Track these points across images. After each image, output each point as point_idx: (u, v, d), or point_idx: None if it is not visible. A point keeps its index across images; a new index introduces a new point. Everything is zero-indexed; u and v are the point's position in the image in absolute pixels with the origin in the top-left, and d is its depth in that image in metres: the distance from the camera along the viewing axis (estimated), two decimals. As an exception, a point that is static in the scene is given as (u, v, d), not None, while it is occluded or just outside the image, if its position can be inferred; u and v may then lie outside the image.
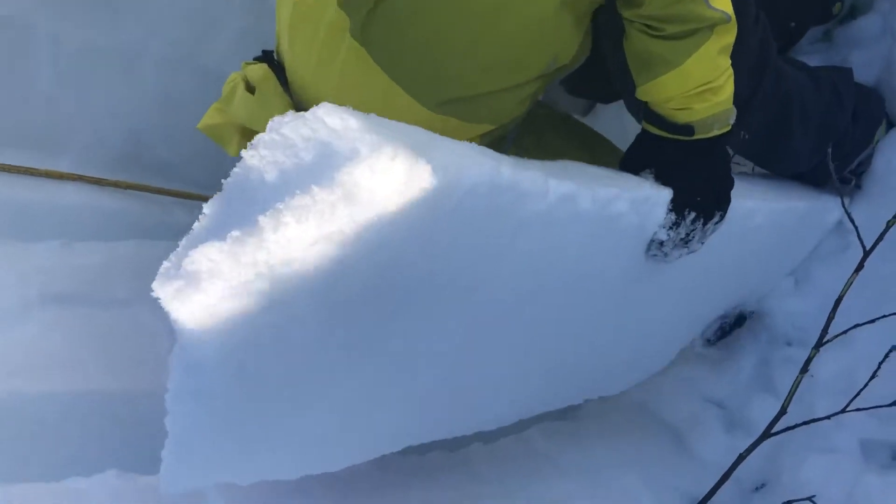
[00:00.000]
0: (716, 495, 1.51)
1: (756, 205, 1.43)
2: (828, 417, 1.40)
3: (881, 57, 1.71)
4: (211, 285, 0.81)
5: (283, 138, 0.85)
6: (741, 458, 1.46)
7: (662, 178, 1.20)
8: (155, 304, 1.51)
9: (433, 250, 0.95)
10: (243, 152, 0.87)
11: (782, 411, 1.43)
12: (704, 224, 1.21)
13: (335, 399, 1.02)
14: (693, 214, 1.20)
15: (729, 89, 1.16)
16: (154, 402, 1.36)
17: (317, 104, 0.87)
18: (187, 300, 0.81)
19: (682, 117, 1.16)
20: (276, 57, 1.26)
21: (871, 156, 1.66)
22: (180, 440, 0.93)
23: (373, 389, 1.06)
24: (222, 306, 0.82)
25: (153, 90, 1.77)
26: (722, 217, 1.23)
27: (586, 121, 1.90)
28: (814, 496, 1.36)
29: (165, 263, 0.87)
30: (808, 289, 1.68)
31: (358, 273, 0.89)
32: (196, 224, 0.90)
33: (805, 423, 1.42)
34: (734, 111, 1.19)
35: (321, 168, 0.84)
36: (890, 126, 1.68)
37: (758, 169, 1.65)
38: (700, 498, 1.53)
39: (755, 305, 1.73)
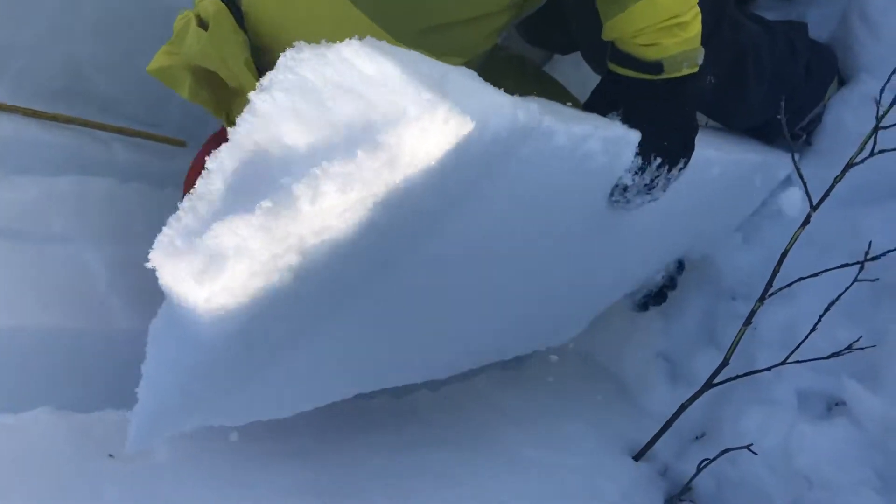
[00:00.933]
0: (657, 444, 1.54)
1: (714, 155, 1.41)
2: (768, 369, 1.43)
3: (836, 14, 1.72)
4: (238, 264, 0.73)
5: (301, 80, 0.75)
6: (682, 407, 1.48)
7: (629, 121, 1.16)
8: (94, 241, 1.47)
9: (453, 200, 0.89)
10: (252, 94, 0.77)
11: (724, 362, 1.45)
12: (669, 170, 1.19)
13: (319, 344, 0.98)
14: (659, 160, 1.17)
15: (696, 27, 1.14)
16: (91, 340, 1.34)
17: (278, 41, 0.81)
18: (209, 282, 0.73)
19: (650, 54, 1.13)
20: None
21: (821, 113, 1.67)
22: (157, 398, 0.88)
23: (354, 334, 1.02)
24: (245, 285, 0.74)
25: (92, 15, 1.68)
26: (686, 164, 1.21)
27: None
28: (751, 444, 1.40)
29: (166, 231, 0.77)
30: (755, 243, 1.70)
31: (390, 236, 0.83)
32: (201, 182, 0.78)
33: (746, 374, 1.45)
34: (702, 51, 1.17)
35: (361, 127, 0.73)
36: (841, 84, 1.69)
37: (711, 123, 1.66)
38: (641, 446, 1.57)
39: (698, 256, 1.73)
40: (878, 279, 1.43)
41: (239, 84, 1.14)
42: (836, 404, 1.52)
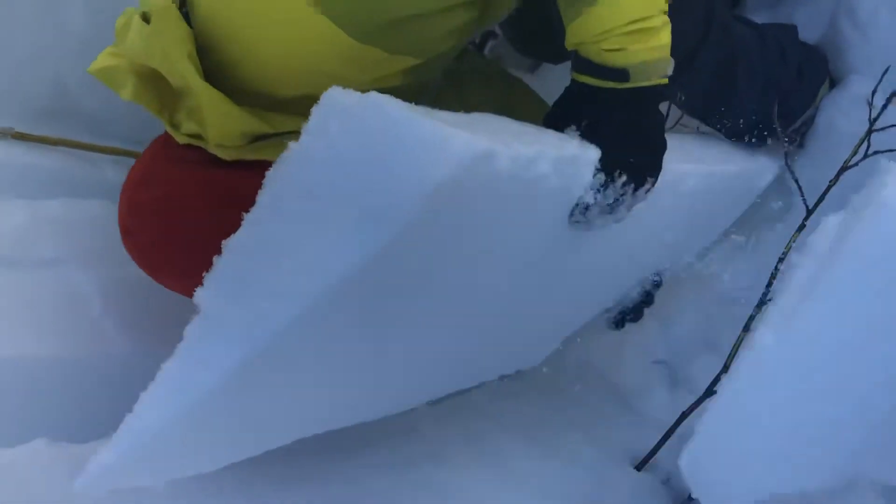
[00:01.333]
0: (659, 452, 1.53)
1: (687, 168, 1.34)
2: (769, 375, 1.42)
3: (824, 16, 1.72)
4: None
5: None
6: (684, 415, 1.47)
7: (591, 135, 1.07)
8: (85, 265, 1.45)
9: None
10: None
11: (724, 369, 1.44)
12: (635, 190, 1.10)
13: (316, 377, 0.99)
14: (624, 177, 1.08)
15: (665, 37, 1.08)
16: (86, 367, 1.32)
17: (225, 38, 0.79)
18: None
19: (616, 60, 1.06)
20: None
21: (814, 115, 1.67)
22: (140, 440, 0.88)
23: (350, 367, 1.01)
24: None
25: (79, 33, 1.66)
26: (654, 184, 1.13)
27: (533, 79, 1.87)
28: (754, 452, 1.39)
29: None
30: (751, 249, 1.70)
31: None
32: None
33: (746, 380, 1.44)
34: (672, 63, 1.10)
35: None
36: (832, 85, 1.69)
37: (703, 128, 1.66)
38: (643, 455, 1.56)
39: (677, 270, 1.63)
40: (876, 282, 1.43)
41: (183, 82, 1.10)
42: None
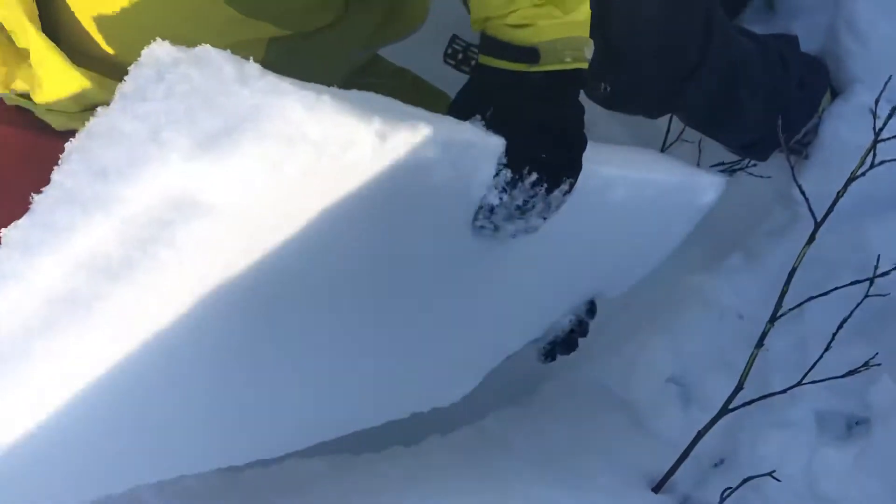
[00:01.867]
0: (675, 473, 1.51)
1: (617, 174, 1.16)
2: (784, 391, 1.40)
3: (824, 26, 1.71)
4: None
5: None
6: (700, 435, 1.45)
7: (497, 126, 0.92)
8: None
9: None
10: None
11: (739, 386, 1.42)
12: (549, 191, 0.94)
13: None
14: (535, 175, 0.92)
15: (582, 14, 0.93)
16: None
17: None
18: None
19: (524, 37, 0.92)
20: None
21: (817, 125, 1.66)
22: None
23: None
24: None
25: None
26: (571, 186, 0.96)
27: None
28: (773, 471, 1.37)
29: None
30: (756, 263, 1.68)
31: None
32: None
33: (762, 397, 1.42)
34: (591, 44, 0.95)
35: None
36: (834, 95, 1.68)
37: (706, 142, 1.64)
38: (660, 476, 1.53)
39: (613, 295, 1.50)
40: (888, 294, 1.41)
41: (24, 41, 0.95)
42: (857, 423, 1.50)
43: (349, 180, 0.75)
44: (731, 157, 1.68)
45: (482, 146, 0.89)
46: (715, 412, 1.44)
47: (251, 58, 0.69)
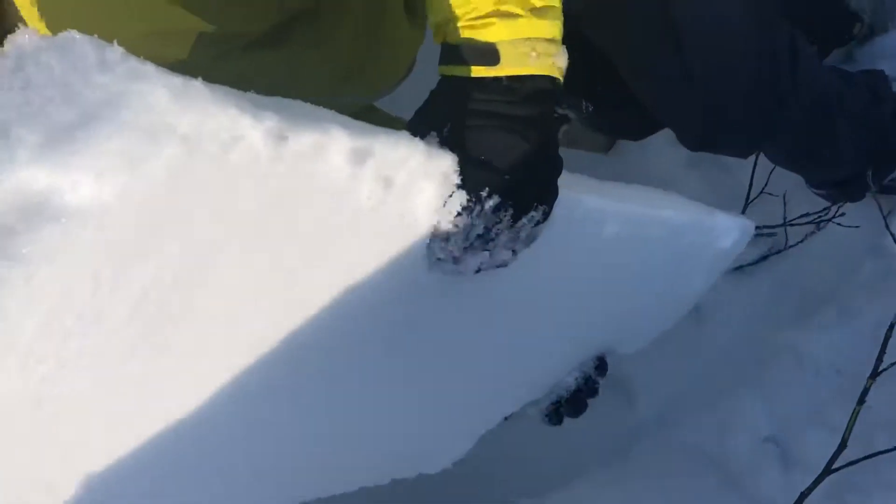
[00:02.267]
0: (779, 538, 1.46)
1: (611, 206, 1.00)
2: (893, 450, 1.35)
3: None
4: None
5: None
6: (803, 496, 1.40)
7: (453, 142, 0.79)
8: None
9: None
10: None
11: (842, 445, 1.37)
12: (515, 218, 0.81)
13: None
14: (496, 199, 0.79)
15: (552, 15, 0.81)
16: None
17: None
18: None
19: (483, 35, 0.80)
20: None
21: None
22: None
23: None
24: None
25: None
26: (545, 214, 0.83)
27: (606, 160, 1.88)
28: (884, 534, 1.31)
29: None
30: (850, 317, 1.63)
31: None
32: None
33: (866, 457, 1.37)
34: (564, 54, 0.82)
35: None
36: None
37: (793, 194, 1.61)
38: (761, 541, 1.48)
39: (627, 351, 1.30)
40: None
41: None
42: (971, 483, 1.42)
43: (243, 189, 0.63)
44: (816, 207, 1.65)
45: (425, 162, 0.75)
46: (815, 473, 1.39)
47: (175, 53, 0.63)
